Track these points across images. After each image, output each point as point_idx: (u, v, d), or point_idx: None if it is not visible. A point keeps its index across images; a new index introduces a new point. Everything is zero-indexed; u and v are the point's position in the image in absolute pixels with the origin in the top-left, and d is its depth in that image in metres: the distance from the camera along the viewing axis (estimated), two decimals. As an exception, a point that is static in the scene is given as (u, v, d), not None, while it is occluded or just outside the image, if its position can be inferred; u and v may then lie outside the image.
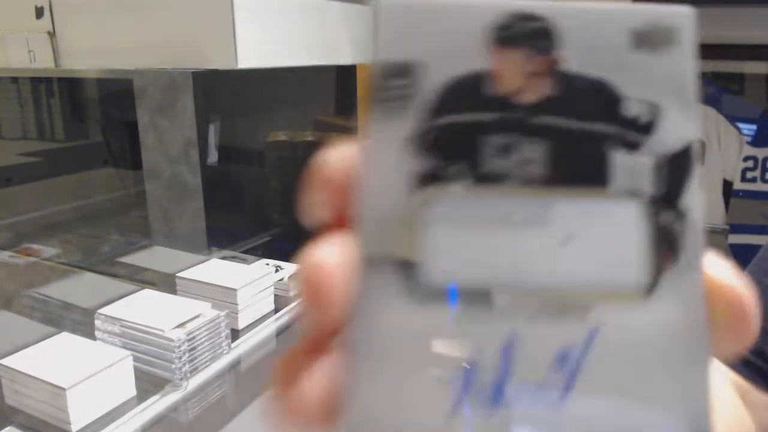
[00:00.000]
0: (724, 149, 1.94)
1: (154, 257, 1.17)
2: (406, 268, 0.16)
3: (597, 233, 0.16)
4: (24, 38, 1.17)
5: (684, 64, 0.17)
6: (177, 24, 1.05)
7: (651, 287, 0.16)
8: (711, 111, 1.94)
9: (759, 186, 1.90)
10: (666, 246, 0.16)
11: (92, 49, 1.15)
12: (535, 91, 0.17)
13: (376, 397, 0.16)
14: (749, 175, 1.91)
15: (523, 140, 0.17)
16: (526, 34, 0.17)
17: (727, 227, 1.83)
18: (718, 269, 0.16)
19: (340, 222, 0.17)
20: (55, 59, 1.17)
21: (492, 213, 0.17)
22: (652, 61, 0.17)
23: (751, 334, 0.16)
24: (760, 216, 1.92)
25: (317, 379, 0.16)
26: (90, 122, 1.44)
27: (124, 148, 1.35)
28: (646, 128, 0.17)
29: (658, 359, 0.16)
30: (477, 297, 0.16)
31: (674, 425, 0.16)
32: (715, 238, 1.81)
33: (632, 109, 0.17)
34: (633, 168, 0.17)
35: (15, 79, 1.36)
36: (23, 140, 1.39)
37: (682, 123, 0.17)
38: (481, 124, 0.17)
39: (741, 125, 1.93)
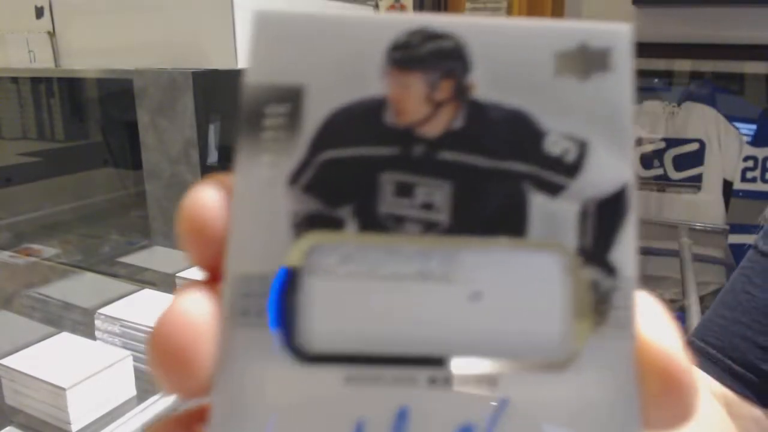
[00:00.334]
0: (724, 149, 1.94)
1: (154, 257, 1.17)
2: (285, 325, 0.13)
3: (510, 290, 0.14)
4: (24, 38, 1.17)
5: (618, 94, 0.14)
6: (177, 24, 1.05)
7: (573, 354, 0.14)
8: (711, 111, 1.94)
9: (759, 186, 1.90)
10: (592, 306, 0.14)
11: (92, 49, 1.15)
12: (441, 123, 0.14)
13: None
14: (749, 175, 1.91)
15: (425, 180, 0.14)
16: (429, 56, 0.14)
17: (727, 227, 1.83)
18: (652, 329, 0.14)
19: (212, 270, 0.14)
20: (55, 59, 1.17)
21: (386, 264, 0.14)
22: (580, 89, 0.14)
23: (689, 405, 0.14)
24: (760, 216, 1.92)
25: None
26: (90, 122, 1.44)
27: (124, 148, 1.35)
28: (571, 168, 0.14)
29: None
30: (366, 360, 0.13)
31: None
32: (716, 238, 1.82)
33: (555, 145, 0.14)
34: (555, 215, 0.14)
35: (15, 79, 1.36)
36: (23, 140, 1.39)
37: (615, 163, 0.14)
38: (374, 160, 0.14)
39: (741, 125, 1.93)
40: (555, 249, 0.14)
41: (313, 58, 0.14)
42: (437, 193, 0.14)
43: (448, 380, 0.13)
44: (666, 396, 0.14)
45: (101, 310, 0.85)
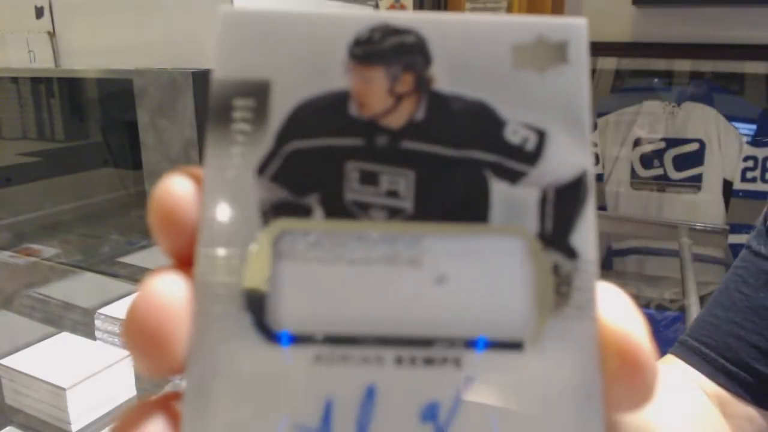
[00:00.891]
0: (724, 149, 1.94)
1: (154, 257, 1.16)
2: (254, 306, 0.14)
3: (473, 274, 0.14)
4: (24, 38, 1.17)
5: (575, 84, 0.15)
6: (177, 24, 1.05)
7: (535, 335, 0.14)
8: (711, 111, 1.93)
9: (759, 186, 1.90)
10: (553, 288, 0.14)
11: (92, 49, 1.15)
12: (403, 114, 0.15)
13: None
14: (749, 175, 1.91)
15: (389, 169, 0.15)
16: (390, 50, 0.15)
17: (727, 227, 1.83)
18: (612, 311, 0.14)
19: (183, 256, 0.15)
20: (55, 59, 1.17)
21: (352, 249, 0.14)
22: (538, 80, 0.15)
23: (648, 384, 0.14)
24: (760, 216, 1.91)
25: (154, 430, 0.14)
26: (90, 122, 1.44)
27: (124, 148, 1.35)
28: (531, 156, 0.15)
29: (542, 418, 0.14)
30: (333, 341, 0.14)
31: None
32: (716, 238, 1.82)
33: (515, 134, 0.15)
34: (516, 201, 0.15)
35: (15, 79, 1.36)
36: (23, 140, 1.39)
37: (573, 150, 0.15)
38: (339, 150, 0.15)
39: (741, 125, 1.93)
40: (516, 233, 0.15)
41: (279, 53, 0.15)
42: (401, 181, 0.15)
43: (414, 360, 0.14)
44: (627, 377, 0.14)
45: (101, 310, 0.85)
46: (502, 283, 0.14)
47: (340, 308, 0.14)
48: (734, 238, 1.86)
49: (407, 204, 0.15)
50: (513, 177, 0.15)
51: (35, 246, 1.19)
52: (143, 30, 1.10)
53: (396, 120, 0.15)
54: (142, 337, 0.14)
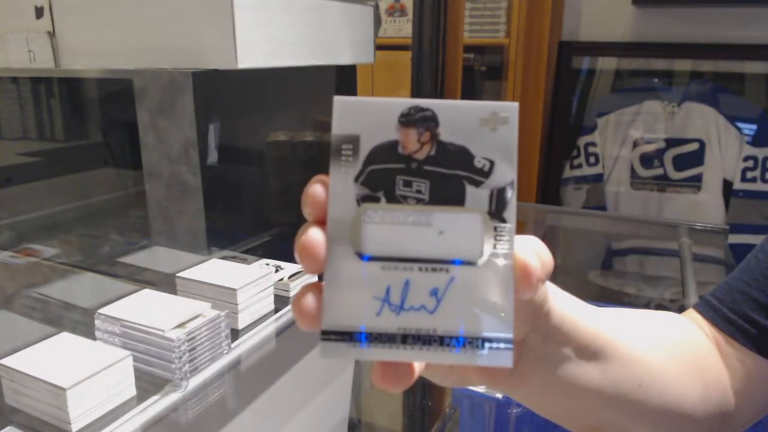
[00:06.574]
0: (724, 149, 1.94)
1: (154, 257, 1.16)
2: (354, 243, 0.27)
3: (456, 230, 0.28)
4: (24, 38, 1.17)
5: (510, 136, 0.28)
6: (177, 24, 1.05)
7: (484, 259, 0.27)
8: (711, 111, 1.94)
9: (759, 186, 1.90)
10: (494, 237, 0.27)
11: (92, 49, 1.15)
12: (424, 152, 0.28)
13: (338, 308, 0.27)
14: (749, 175, 1.91)
15: (417, 179, 0.28)
16: (419, 119, 0.28)
17: (727, 227, 1.83)
18: (521, 249, 0.28)
19: (321, 218, 0.28)
20: (55, 59, 1.16)
21: (399, 218, 0.28)
22: (492, 135, 0.28)
23: (533, 285, 0.28)
24: (760, 216, 1.92)
25: (311, 299, 0.28)
26: (90, 122, 1.44)
27: (124, 148, 1.35)
28: (486, 173, 0.28)
29: (486, 295, 0.27)
30: (390, 260, 0.28)
31: (498, 331, 0.27)
32: (715, 237, 1.82)
33: (479, 162, 0.28)
34: (478, 196, 0.28)
35: (15, 79, 1.35)
36: (23, 140, 1.39)
37: (507, 171, 0.28)
38: (393, 170, 0.28)
39: (741, 125, 1.93)
40: (478, 211, 0.28)
41: (364, 120, 0.28)
42: (423, 186, 0.28)
43: (427, 269, 0.27)
44: (522, 280, 0.28)
45: (101, 310, 0.85)
46: (470, 234, 0.27)
47: (394, 245, 0.27)
48: (734, 238, 1.86)
49: (426, 197, 0.28)
50: (477, 184, 0.28)
51: (35, 246, 1.19)
52: (143, 30, 1.10)
53: (421, 155, 0.28)
54: (304, 254, 0.27)
